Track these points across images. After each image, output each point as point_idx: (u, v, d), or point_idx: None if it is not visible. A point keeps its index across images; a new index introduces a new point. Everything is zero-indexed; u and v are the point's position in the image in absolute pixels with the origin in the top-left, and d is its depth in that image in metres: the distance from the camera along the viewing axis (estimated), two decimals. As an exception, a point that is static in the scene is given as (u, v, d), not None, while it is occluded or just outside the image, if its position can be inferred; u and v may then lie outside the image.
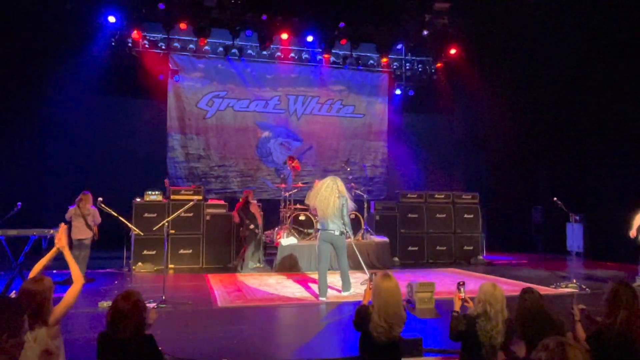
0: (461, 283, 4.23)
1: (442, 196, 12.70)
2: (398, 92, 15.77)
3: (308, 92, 15.14)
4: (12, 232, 7.58)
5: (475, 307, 3.90)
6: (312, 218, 10.95)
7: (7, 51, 11.20)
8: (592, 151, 12.99)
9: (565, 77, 13.36)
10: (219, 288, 8.39)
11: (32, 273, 3.54)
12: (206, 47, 13.87)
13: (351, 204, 7.97)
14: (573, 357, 2.14)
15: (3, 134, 11.51)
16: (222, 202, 11.55)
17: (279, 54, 14.49)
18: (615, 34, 11.82)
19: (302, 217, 11.23)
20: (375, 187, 15.40)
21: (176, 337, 5.42)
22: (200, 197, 10.72)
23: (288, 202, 11.53)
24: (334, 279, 8.39)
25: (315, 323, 6.66)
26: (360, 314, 3.98)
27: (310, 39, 13.89)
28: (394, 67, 15.54)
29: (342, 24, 13.38)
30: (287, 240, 10.59)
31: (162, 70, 13.81)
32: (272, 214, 11.88)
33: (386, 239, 11.29)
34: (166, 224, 7.33)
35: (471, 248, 12.40)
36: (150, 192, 10.79)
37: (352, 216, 10.04)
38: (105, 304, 6.46)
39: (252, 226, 10.31)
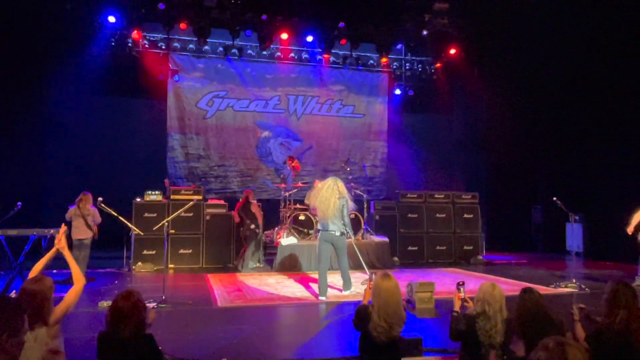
0: (461, 283, 4.23)
1: (442, 196, 12.70)
2: (398, 92, 15.77)
3: (308, 92, 15.15)
4: (12, 232, 7.58)
5: (474, 306, 3.91)
6: (312, 218, 10.96)
7: (7, 51, 11.20)
8: (592, 151, 12.99)
9: (565, 77, 13.37)
10: (219, 288, 8.40)
11: (32, 273, 3.55)
12: (206, 47, 13.87)
13: (351, 205, 8.02)
14: (572, 356, 2.14)
15: (3, 134, 11.50)
16: (222, 202, 11.55)
17: (278, 54, 14.49)
18: (615, 34, 11.82)
19: (302, 217, 11.23)
20: (375, 187, 15.41)
21: (176, 337, 5.42)
22: (200, 197, 10.72)
23: (288, 202, 11.54)
24: (334, 278, 8.40)
25: (315, 323, 6.67)
26: (360, 314, 3.98)
27: (310, 39, 13.89)
28: (394, 67, 15.54)
29: (342, 24, 13.38)
30: (287, 240, 10.59)
31: (162, 70, 13.81)
32: (272, 213, 11.88)
33: (386, 239, 11.30)
34: (166, 223, 7.33)
35: (471, 248, 12.40)
36: (150, 192, 10.80)
37: (352, 216, 10.06)
38: (105, 304, 6.46)
39: (252, 226, 10.32)
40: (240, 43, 13.96)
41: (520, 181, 14.67)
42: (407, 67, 15.61)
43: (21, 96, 11.82)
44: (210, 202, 11.48)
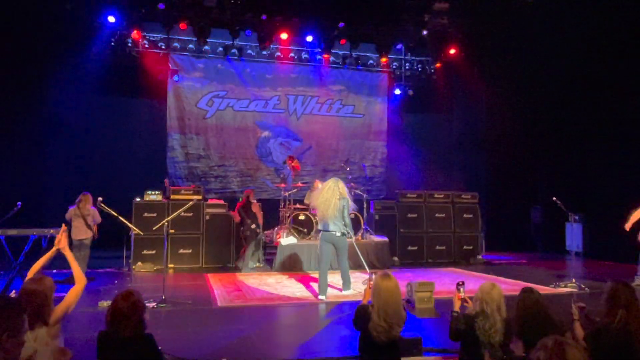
0: (460, 283, 4.24)
1: (442, 196, 12.70)
2: (397, 92, 15.77)
3: (308, 92, 15.15)
4: (12, 232, 7.58)
5: (473, 305, 3.91)
6: (312, 218, 10.96)
7: (7, 51, 11.19)
8: (592, 151, 12.99)
9: (565, 77, 13.36)
10: (219, 288, 8.40)
11: (30, 273, 3.55)
12: (206, 47, 13.87)
13: (352, 205, 8.07)
14: (572, 356, 2.14)
15: (3, 134, 11.50)
16: (221, 201, 11.55)
17: (278, 54, 14.49)
18: (615, 34, 11.82)
19: (301, 217, 11.23)
20: (374, 186, 15.42)
21: (176, 337, 5.43)
22: (200, 197, 10.72)
23: (288, 202, 11.54)
24: (334, 278, 8.41)
25: (315, 322, 6.68)
26: (360, 314, 3.99)
27: (309, 39, 13.89)
28: (394, 67, 15.54)
29: (341, 24, 13.38)
30: (286, 239, 10.60)
31: (162, 70, 13.81)
32: (272, 213, 11.89)
33: (385, 239, 11.30)
34: (166, 223, 7.34)
35: (470, 248, 12.40)
36: (150, 192, 10.79)
37: (352, 216, 10.05)
38: (105, 304, 6.47)
39: (253, 226, 10.33)
40: (240, 43, 13.96)
41: (520, 181, 14.67)
42: (407, 67, 15.61)
43: (21, 96, 11.82)
44: (210, 202, 11.47)
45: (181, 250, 10.76)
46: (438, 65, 15.36)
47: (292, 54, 14.61)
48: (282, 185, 11.56)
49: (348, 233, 7.85)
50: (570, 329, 3.88)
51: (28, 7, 11.41)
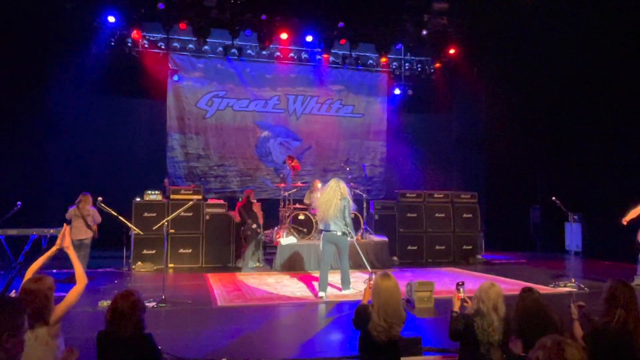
0: (460, 283, 4.24)
1: (441, 195, 12.71)
2: (397, 91, 15.78)
3: (307, 92, 15.16)
4: (12, 232, 7.58)
5: (471, 304, 3.92)
6: (312, 217, 10.97)
7: (7, 51, 11.20)
8: (591, 151, 13.00)
9: (564, 77, 13.36)
10: (219, 287, 8.41)
11: (29, 272, 3.55)
12: (206, 47, 13.87)
13: (353, 206, 8.12)
14: (570, 355, 2.15)
15: (3, 134, 11.51)
16: (221, 201, 11.56)
17: (278, 53, 14.49)
18: (615, 34, 11.82)
19: (301, 217, 11.24)
20: (374, 186, 15.42)
21: (176, 337, 5.44)
22: (199, 197, 10.73)
23: (287, 202, 11.55)
24: (334, 278, 8.41)
25: (314, 322, 6.69)
26: (360, 313, 3.99)
27: (309, 38, 13.89)
28: (393, 67, 15.54)
29: (341, 24, 13.39)
30: (286, 239, 10.61)
31: (162, 70, 13.82)
32: (272, 213, 11.90)
33: (385, 239, 11.31)
34: (166, 223, 7.35)
35: (470, 247, 12.41)
36: (150, 192, 10.80)
37: (352, 216, 10.06)
38: (105, 303, 6.47)
39: (254, 226, 10.34)
40: (239, 43, 13.96)
41: (520, 181, 14.68)
42: (407, 67, 15.62)
43: (21, 96, 11.82)
44: (209, 201, 11.49)
45: (181, 250, 10.76)
46: (437, 65, 15.37)
47: (291, 54, 14.60)
48: (282, 185, 11.57)
49: (349, 233, 7.90)
50: (569, 329, 3.88)
51: (28, 7, 11.41)
